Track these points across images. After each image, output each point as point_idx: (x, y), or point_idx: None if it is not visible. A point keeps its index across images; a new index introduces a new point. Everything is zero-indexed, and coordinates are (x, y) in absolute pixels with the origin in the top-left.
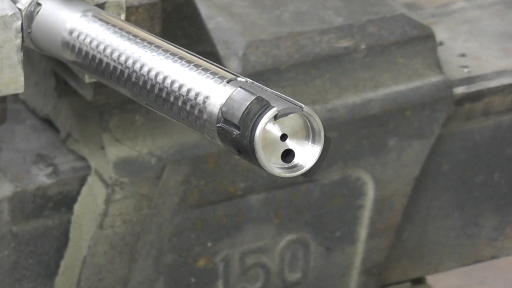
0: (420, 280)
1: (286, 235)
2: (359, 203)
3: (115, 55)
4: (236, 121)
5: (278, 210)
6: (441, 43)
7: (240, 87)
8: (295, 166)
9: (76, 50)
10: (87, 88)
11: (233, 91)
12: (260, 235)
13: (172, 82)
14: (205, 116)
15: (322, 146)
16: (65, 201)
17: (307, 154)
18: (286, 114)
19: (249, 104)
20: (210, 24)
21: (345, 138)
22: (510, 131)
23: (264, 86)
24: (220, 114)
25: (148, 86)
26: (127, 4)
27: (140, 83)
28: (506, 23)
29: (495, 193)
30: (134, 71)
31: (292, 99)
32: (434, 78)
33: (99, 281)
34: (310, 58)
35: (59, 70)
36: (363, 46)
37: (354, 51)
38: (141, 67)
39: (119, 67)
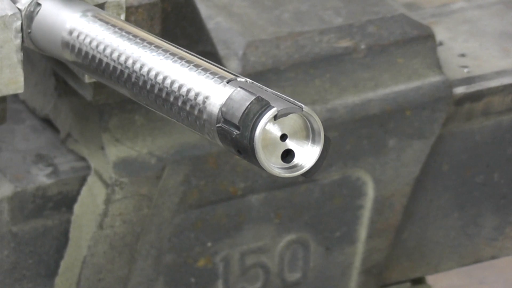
0: (420, 280)
1: (286, 235)
2: (359, 203)
3: (115, 55)
4: (236, 121)
5: (278, 210)
6: (441, 43)
7: (240, 87)
8: (295, 166)
9: (76, 50)
10: (87, 88)
11: (233, 91)
12: (260, 235)
13: (172, 82)
14: (205, 116)
15: (322, 146)
16: (65, 201)
17: (307, 154)
18: (286, 114)
19: (249, 104)
20: (210, 24)
21: (345, 138)
22: (510, 131)
23: (264, 86)
24: (220, 114)
25: (148, 86)
26: (127, 4)
27: (140, 83)
28: (506, 23)
29: (495, 193)
30: (134, 71)
31: (292, 99)
32: (434, 78)
33: (99, 281)
34: (310, 58)
35: (59, 70)
36: (363, 46)
37: (354, 51)
38: (141, 67)
39: (119, 67)
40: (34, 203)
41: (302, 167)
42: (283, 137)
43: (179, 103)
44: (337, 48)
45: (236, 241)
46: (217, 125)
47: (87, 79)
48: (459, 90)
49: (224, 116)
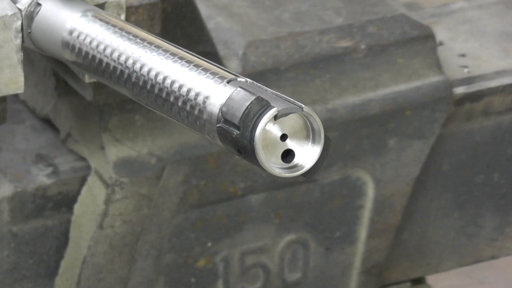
0: (420, 280)
1: (286, 235)
2: (359, 203)
3: (115, 55)
4: (236, 121)
5: (278, 210)
6: (441, 43)
7: (240, 87)
8: (295, 166)
9: (76, 50)
10: (87, 88)
11: (233, 91)
12: (260, 235)
13: (172, 82)
14: (205, 116)
15: (322, 146)
16: (65, 201)
17: (307, 154)
18: (286, 114)
19: (249, 104)
20: (210, 24)
21: (345, 138)
22: (510, 131)
23: (264, 86)
24: (220, 114)
25: (148, 86)
26: (127, 4)
27: (140, 83)
28: (506, 23)
29: (495, 193)
30: (134, 71)
31: (292, 99)
32: (434, 78)
33: (99, 281)
34: (310, 58)
35: (59, 70)
36: (363, 46)
37: (354, 51)
38: (141, 67)
39: (119, 67)
40: (34, 203)
41: (302, 167)
42: (283, 137)
43: (179, 103)
44: (337, 48)
45: (236, 241)
46: (217, 125)
47: (87, 79)
48: (459, 90)
49: (224, 116)
